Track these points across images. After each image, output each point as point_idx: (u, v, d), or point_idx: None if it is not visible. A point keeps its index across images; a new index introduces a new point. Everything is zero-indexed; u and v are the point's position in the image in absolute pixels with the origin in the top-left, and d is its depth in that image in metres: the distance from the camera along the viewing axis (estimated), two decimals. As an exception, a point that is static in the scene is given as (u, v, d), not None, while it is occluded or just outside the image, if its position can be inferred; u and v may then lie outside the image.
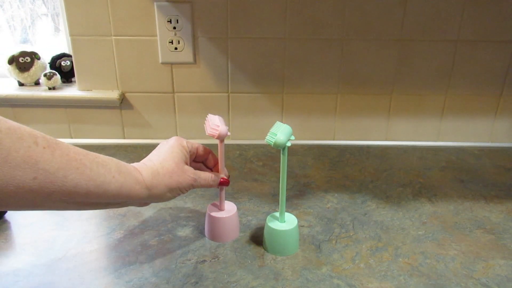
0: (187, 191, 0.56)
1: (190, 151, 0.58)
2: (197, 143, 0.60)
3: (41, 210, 0.44)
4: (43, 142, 0.40)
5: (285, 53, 0.93)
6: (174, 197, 0.55)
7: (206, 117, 0.60)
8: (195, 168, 0.58)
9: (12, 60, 0.98)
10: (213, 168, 0.63)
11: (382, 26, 0.90)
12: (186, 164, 0.56)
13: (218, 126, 0.57)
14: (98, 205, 0.49)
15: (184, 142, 0.57)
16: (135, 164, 0.53)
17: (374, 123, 1.00)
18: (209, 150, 0.61)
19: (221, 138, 0.57)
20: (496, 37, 0.91)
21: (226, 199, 0.75)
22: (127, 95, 0.97)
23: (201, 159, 0.61)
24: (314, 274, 0.56)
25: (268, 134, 0.54)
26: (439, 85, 0.96)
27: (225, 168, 0.62)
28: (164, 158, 0.54)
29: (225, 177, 0.61)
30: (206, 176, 0.58)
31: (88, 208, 0.48)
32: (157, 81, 0.95)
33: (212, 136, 0.57)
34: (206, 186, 0.58)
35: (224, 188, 0.63)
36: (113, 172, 0.47)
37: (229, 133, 0.58)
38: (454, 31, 0.91)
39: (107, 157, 0.48)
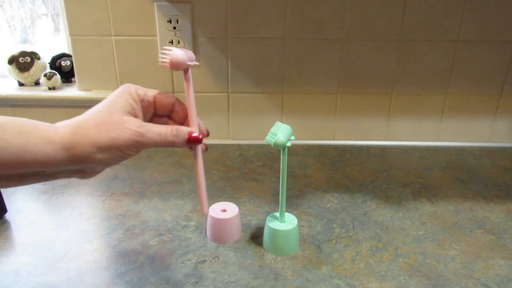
0: (133, 152, 0.40)
1: (142, 100, 0.43)
2: (155, 90, 0.45)
3: None
4: None
5: (285, 53, 0.93)
6: (112, 160, 0.40)
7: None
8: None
9: (12, 60, 0.98)
10: (183, 123, 0.46)
11: (382, 26, 0.90)
12: (132, 115, 0.41)
13: (171, 50, 0.42)
14: (11, 178, 0.39)
15: (133, 88, 0.43)
16: (57, 123, 0.40)
17: (374, 123, 1.00)
18: (174, 99, 0.45)
19: (175, 66, 0.42)
20: (496, 37, 0.91)
21: (226, 199, 0.75)
22: (127, 95, 0.97)
23: (164, 112, 0.45)
24: (314, 274, 0.56)
25: (268, 134, 0.54)
26: (439, 85, 0.96)
27: (198, 119, 0.45)
28: (96, 109, 0.40)
29: (197, 132, 0.43)
30: (161, 129, 0.41)
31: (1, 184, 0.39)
32: (157, 81, 0.95)
33: (165, 65, 0.43)
34: (164, 143, 0.41)
35: (200, 150, 0.45)
36: (8, 134, 0.36)
37: (193, 63, 0.43)
38: (454, 31, 0.91)
39: (10, 117, 0.38)
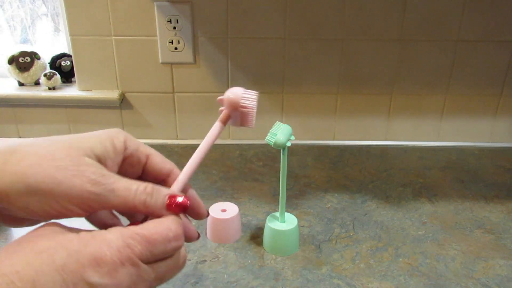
0: (80, 211, 0.28)
1: (129, 155, 0.32)
2: (152, 149, 0.34)
3: None
4: None
5: (285, 53, 0.93)
6: (42, 212, 0.27)
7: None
8: None
9: (12, 60, 0.98)
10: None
11: (382, 26, 0.90)
12: (101, 163, 0.29)
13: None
14: None
15: (121, 136, 0.32)
16: None
17: (374, 123, 1.00)
18: (172, 166, 0.35)
19: (227, 104, 0.36)
20: (496, 37, 0.91)
21: (226, 199, 0.75)
22: (127, 95, 0.97)
23: (154, 180, 0.33)
24: (314, 274, 0.56)
25: (268, 134, 0.54)
26: (439, 85, 0.96)
27: (193, 192, 0.35)
28: (53, 137, 0.29)
29: (182, 196, 0.31)
30: (131, 184, 0.29)
31: None
32: (157, 81, 0.95)
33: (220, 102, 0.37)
34: (132, 204, 0.29)
35: (185, 216, 0.35)
36: None
37: (247, 104, 0.35)
38: (454, 31, 0.91)
39: None
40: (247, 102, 0.36)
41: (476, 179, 0.84)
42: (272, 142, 0.53)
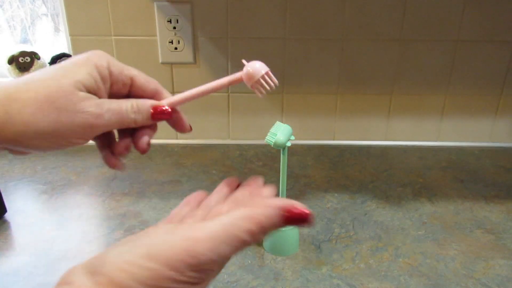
0: (84, 140, 0.32)
1: (115, 81, 0.33)
2: (134, 69, 0.35)
3: None
4: None
5: (285, 53, 0.93)
6: (52, 149, 0.31)
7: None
8: None
9: (12, 60, 0.98)
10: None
11: (382, 26, 0.90)
12: (92, 93, 0.31)
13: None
14: None
15: (104, 60, 0.32)
16: None
17: (374, 123, 1.00)
18: (156, 84, 0.36)
19: (244, 75, 0.40)
20: (496, 37, 0.91)
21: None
22: (127, 95, 0.97)
23: (141, 97, 0.35)
24: (314, 274, 0.56)
25: (268, 134, 0.54)
26: (439, 85, 0.96)
27: (171, 97, 0.36)
28: (41, 75, 0.30)
29: (163, 106, 0.34)
30: (121, 105, 0.32)
31: None
32: (157, 81, 0.95)
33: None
34: (124, 124, 0.33)
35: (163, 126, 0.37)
36: None
37: (261, 89, 0.39)
38: (454, 31, 0.91)
39: None
40: (262, 87, 0.39)
41: (476, 179, 0.84)
42: (272, 142, 0.53)
